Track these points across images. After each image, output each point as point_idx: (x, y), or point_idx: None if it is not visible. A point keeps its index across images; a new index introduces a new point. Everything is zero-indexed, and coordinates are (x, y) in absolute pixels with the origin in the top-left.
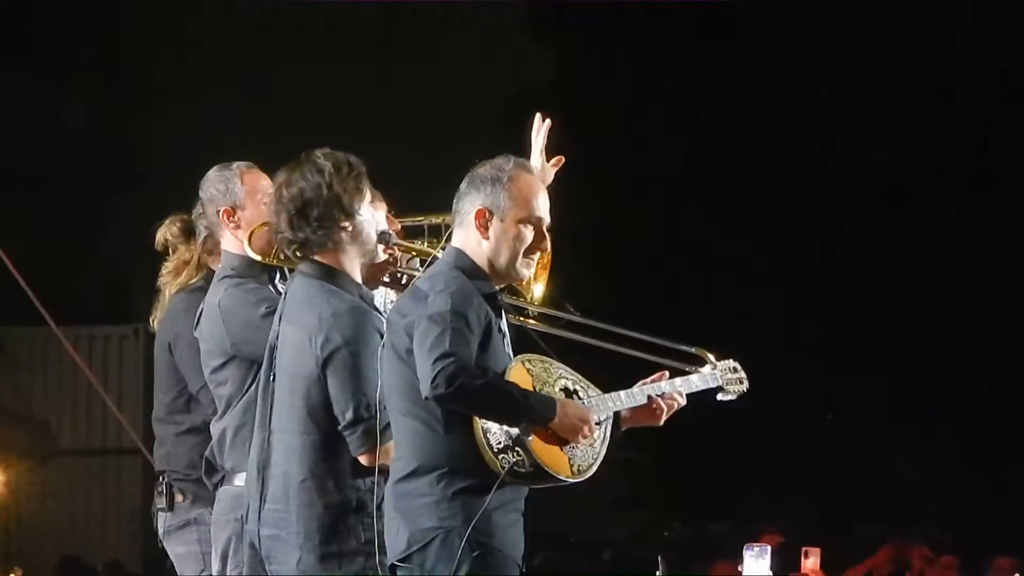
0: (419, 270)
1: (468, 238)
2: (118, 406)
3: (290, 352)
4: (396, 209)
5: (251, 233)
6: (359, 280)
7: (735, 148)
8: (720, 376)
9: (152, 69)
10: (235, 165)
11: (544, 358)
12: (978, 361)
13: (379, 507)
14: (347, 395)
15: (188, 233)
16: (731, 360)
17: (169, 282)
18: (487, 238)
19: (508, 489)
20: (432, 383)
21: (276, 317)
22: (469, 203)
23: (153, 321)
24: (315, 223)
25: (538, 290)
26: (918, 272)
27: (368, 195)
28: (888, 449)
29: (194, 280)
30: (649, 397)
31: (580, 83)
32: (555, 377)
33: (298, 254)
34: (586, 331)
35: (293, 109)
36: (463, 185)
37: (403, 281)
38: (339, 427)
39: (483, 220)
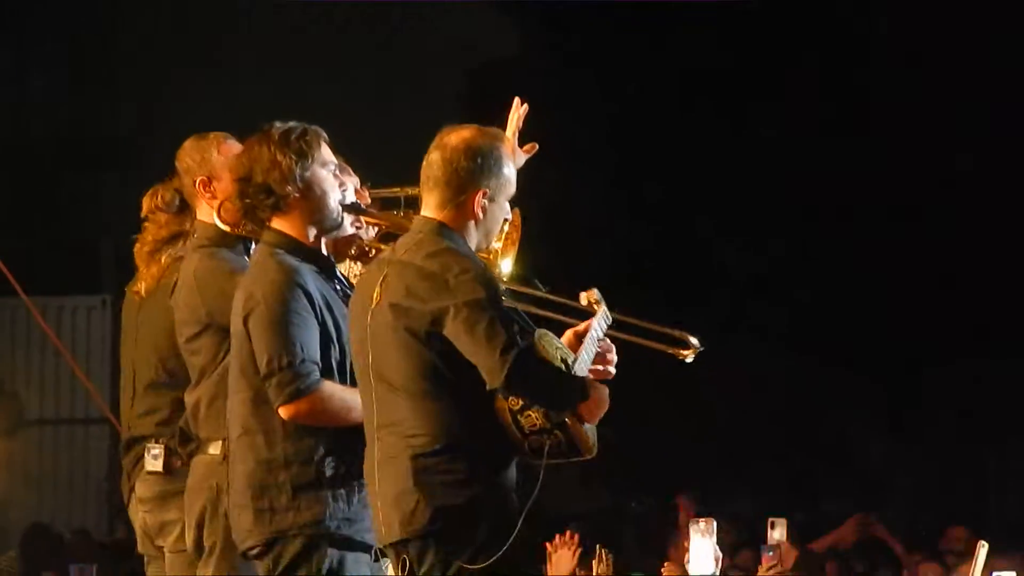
0: (385, 246)
1: (458, 215)
2: (86, 376)
3: (233, 315)
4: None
5: (220, 204)
6: (320, 246)
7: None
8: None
9: (118, 36)
10: (212, 135)
11: (544, 331)
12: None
13: (342, 475)
14: (263, 348)
15: (181, 202)
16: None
17: (154, 252)
18: (481, 218)
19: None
20: (505, 376)
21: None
22: (468, 181)
23: (140, 290)
24: (257, 189)
25: (506, 265)
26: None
27: (321, 161)
28: (854, 428)
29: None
30: (599, 342)
31: (547, 58)
32: (554, 348)
33: (252, 223)
34: (555, 308)
35: (259, 84)
36: (449, 156)
37: (371, 254)
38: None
39: (484, 201)
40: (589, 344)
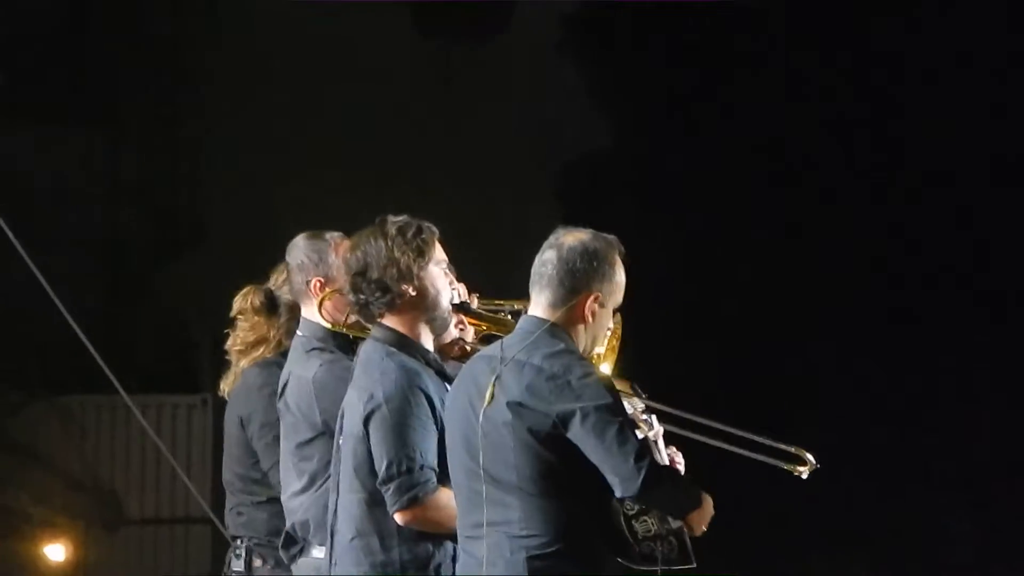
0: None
1: (569, 317)
2: (186, 475)
3: (349, 415)
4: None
5: (323, 298)
6: (429, 345)
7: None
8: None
9: (211, 131)
10: (328, 235)
11: None
12: None
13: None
14: (383, 452)
15: (270, 306)
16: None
17: (242, 352)
18: (590, 322)
19: None
20: (641, 484)
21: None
22: (582, 283)
23: (224, 390)
24: (373, 286)
25: (605, 370)
26: None
27: (435, 259)
28: None
29: (270, 355)
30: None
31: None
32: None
33: (363, 318)
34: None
35: (352, 176)
36: (566, 256)
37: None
38: (376, 482)
39: (594, 305)
40: (662, 446)
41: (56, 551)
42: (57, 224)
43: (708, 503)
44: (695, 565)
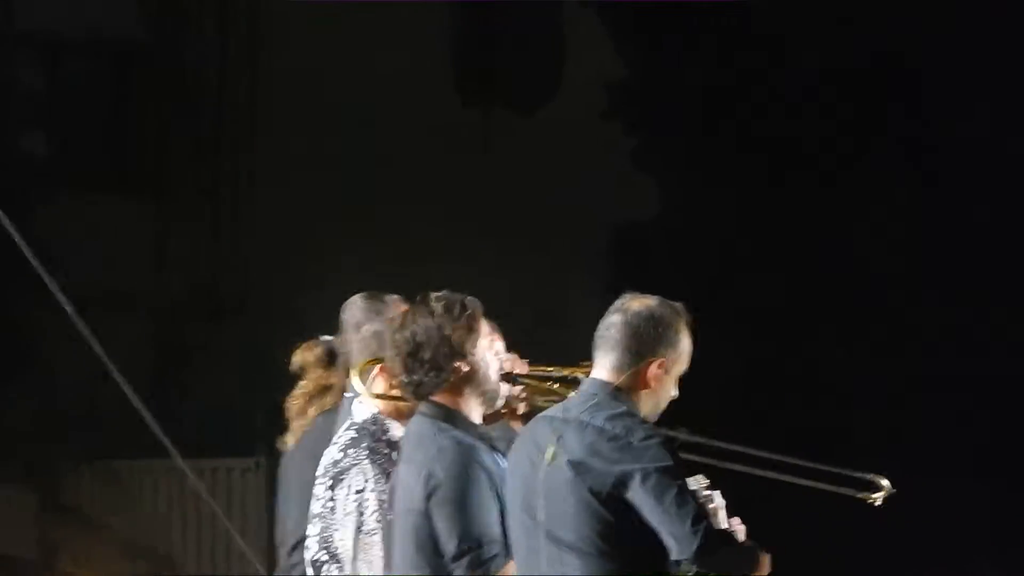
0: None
1: (632, 382)
2: (241, 539)
3: (403, 492)
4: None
5: (373, 378)
6: (477, 420)
7: None
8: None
9: (254, 194)
10: (386, 297)
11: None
12: None
13: None
14: (450, 528)
15: (330, 357)
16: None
17: (308, 403)
18: (653, 387)
19: None
20: (697, 547)
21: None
22: (647, 348)
23: (288, 443)
24: (427, 365)
25: None
26: None
27: (483, 336)
28: None
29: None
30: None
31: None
32: None
33: (414, 397)
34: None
35: (397, 245)
36: (631, 320)
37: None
38: (444, 560)
39: (658, 371)
40: (723, 517)
41: None
42: (106, 290)
43: (765, 561)
44: None
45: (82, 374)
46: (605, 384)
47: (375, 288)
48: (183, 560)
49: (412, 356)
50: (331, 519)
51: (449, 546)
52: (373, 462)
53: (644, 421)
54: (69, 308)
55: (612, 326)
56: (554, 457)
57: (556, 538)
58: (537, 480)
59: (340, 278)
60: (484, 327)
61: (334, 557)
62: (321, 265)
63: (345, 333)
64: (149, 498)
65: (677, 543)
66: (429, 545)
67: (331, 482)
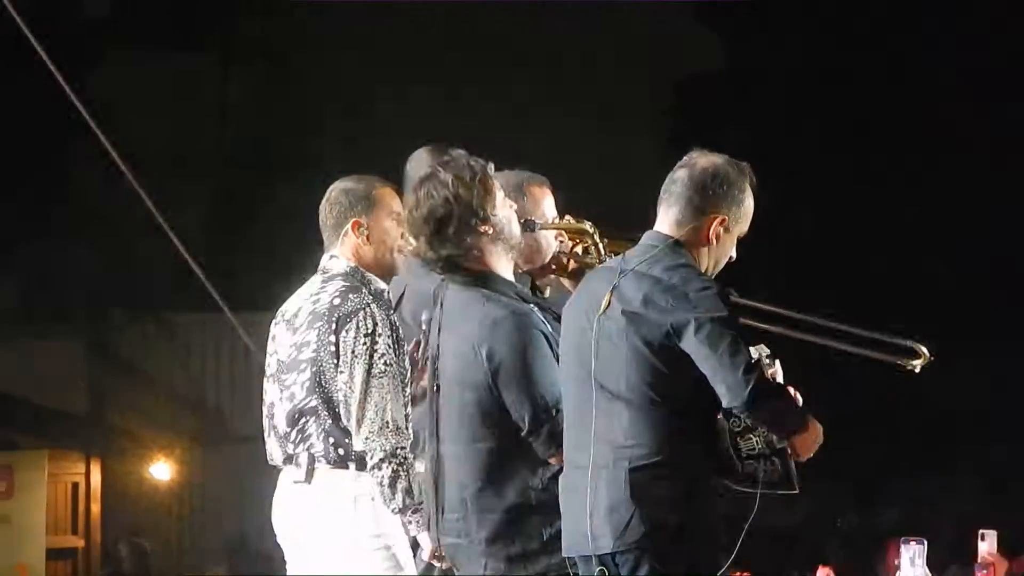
0: (595, 260)
1: (693, 237)
2: None
3: (453, 362)
4: (568, 203)
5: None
6: (511, 278)
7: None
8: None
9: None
10: (453, 151)
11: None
12: None
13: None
14: (521, 402)
15: None
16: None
17: None
18: (713, 244)
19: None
20: (748, 395)
21: (435, 327)
22: (710, 204)
23: None
24: (455, 238)
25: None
26: None
27: (499, 192)
28: None
29: None
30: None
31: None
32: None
33: (445, 272)
34: (765, 318)
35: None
36: (697, 176)
37: (568, 267)
38: (521, 433)
39: (720, 228)
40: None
41: (161, 470)
42: (162, 147)
43: (816, 428)
44: (797, 491)
45: (138, 229)
46: (666, 237)
47: (433, 144)
48: (231, 415)
49: (437, 234)
50: (330, 363)
51: (524, 421)
52: (379, 306)
53: (701, 273)
54: (123, 164)
55: (677, 181)
56: (608, 306)
57: (606, 388)
58: (590, 330)
59: (397, 134)
60: (498, 184)
61: (327, 403)
62: (374, 121)
63: (409, 185)
64: (198, 352)
65: (729, 391)
66: (494, 419)
67: (334, 326)
